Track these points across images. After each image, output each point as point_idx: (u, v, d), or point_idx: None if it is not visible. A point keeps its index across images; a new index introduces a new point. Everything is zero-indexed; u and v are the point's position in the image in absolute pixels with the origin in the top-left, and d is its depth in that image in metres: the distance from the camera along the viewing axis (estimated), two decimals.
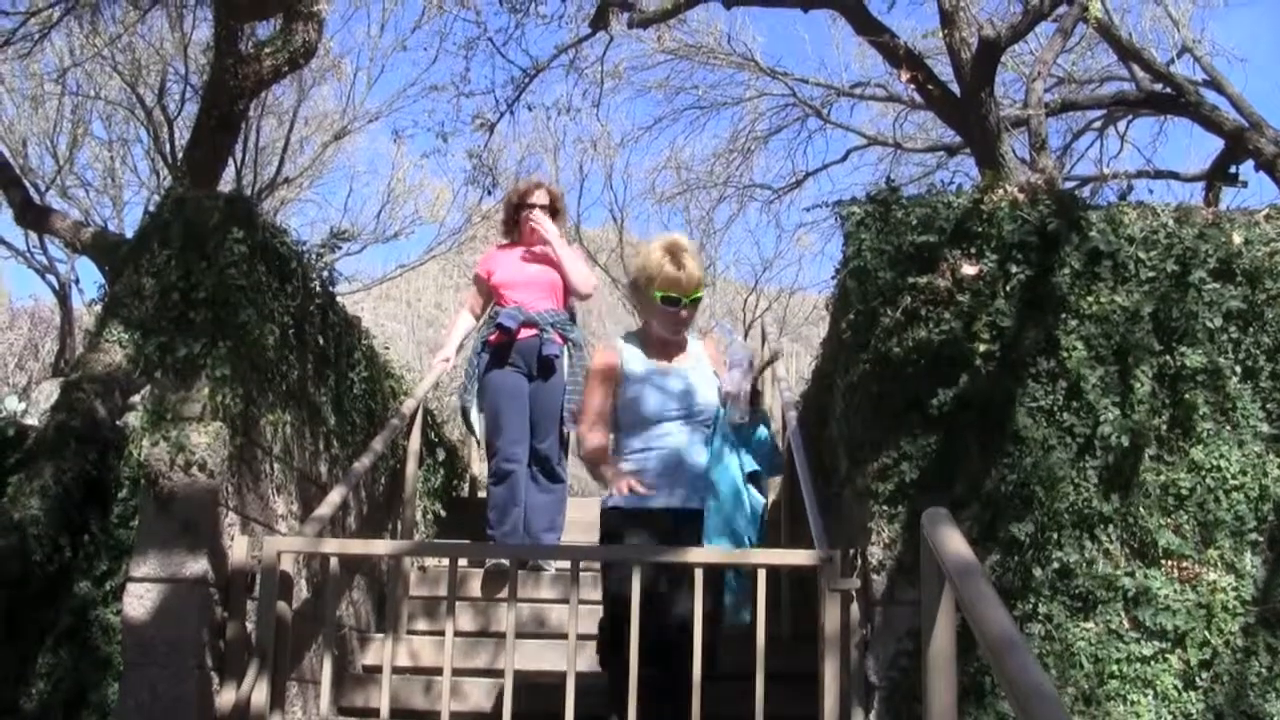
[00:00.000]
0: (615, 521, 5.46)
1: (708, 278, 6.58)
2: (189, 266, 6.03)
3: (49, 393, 10.64)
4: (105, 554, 5.89)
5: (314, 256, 7.09)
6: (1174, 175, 17.61)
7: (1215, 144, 14.27)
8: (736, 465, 5.45)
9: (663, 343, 5.69)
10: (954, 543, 3.49)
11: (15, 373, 23.24)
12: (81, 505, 5.98)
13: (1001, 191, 6.12)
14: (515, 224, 8.48)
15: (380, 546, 6.68)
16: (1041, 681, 2.68)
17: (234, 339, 5.97)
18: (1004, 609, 3.07)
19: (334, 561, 5.79)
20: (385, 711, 5.51)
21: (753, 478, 5.51)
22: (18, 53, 14.22)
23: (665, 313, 5.57)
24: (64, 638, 5.84)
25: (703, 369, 5.71)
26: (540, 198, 8.38)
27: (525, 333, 7.94)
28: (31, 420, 7.49)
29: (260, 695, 5.45)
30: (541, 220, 8.23)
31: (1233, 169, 13.99)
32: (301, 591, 6.34)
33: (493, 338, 7.96)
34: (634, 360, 5.62)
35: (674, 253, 5.49)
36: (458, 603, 7.20)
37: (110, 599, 5.82)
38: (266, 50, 9.29)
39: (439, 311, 43.17)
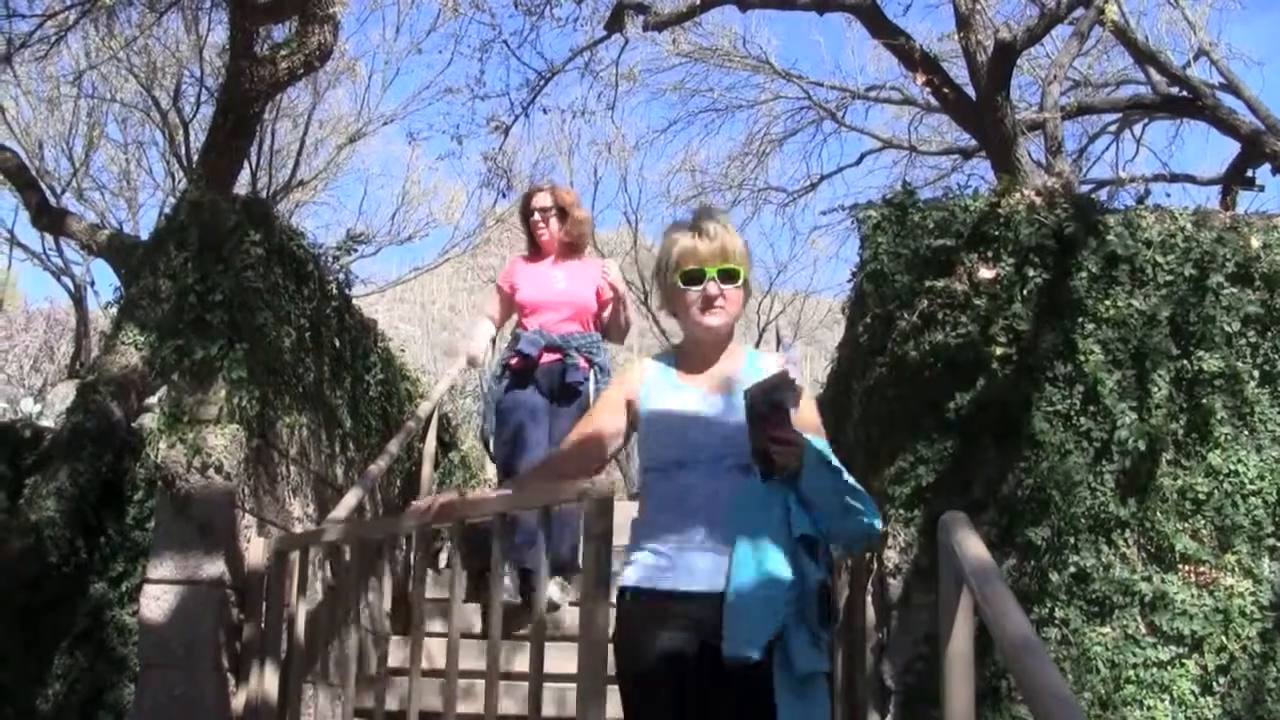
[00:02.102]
0: (632, 621, 3.60)
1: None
2: (206, 269, 6.05)
3: (64, 395, 10.67)
4: (121, 555, 5.92)
5: (330, 259, 7.10)
6: (1190, 179, 17.55)
7: (1231, 147, 14.23)
8: (774, 525, 3.48)
9: (704, 356, 3.84)
10: (972, 546, 3.49)
11: (30, 375, 23.29)
12: (97, 507, 6.00)
13: (1018, 195, 6.11)
14: (531, 235, 7.76)
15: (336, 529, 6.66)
16: (1059, 685, 2.67)
17: (251, 341, 5.99)
18: (1022, 613, 3.06)
19: (313, 552, 5.79)
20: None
21: (808, 546, 3.48)
22: (34, 55, 14.25)
23: (689, 297, 3.76)
24: (80, 639, 5.86)
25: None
26: (542, 200, 7.64)
27: (548, 357, 7.30)
28: (47, 422, 7.52)
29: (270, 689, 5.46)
30: (613, 275, 7.54)
31: (1249, 172, 13.95)
32: (317, 594, 6.35)
33: (514, 362, 7.34)
34: (658, 382, 3.83)
35: (695, 222, 3.83)
36: (472, 605, 7.22)
37: (126, 600, 5.84)
38: (282, 53, 9.29)
39: (453, 314, 43.24)
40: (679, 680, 3.44)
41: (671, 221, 4.33)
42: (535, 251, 7.77)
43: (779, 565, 3.39)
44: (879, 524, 3.57)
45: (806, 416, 3.64)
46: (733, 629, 3.36)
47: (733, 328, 3.86)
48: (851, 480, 3.49)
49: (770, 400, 3.48)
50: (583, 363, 7.30)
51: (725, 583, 3.41)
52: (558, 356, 7.28)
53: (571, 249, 7.65)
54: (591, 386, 7.25)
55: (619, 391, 3.88)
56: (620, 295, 7.54)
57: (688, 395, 3.74)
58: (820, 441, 3.53)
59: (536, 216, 7.62)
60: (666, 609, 3.49)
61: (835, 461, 3.50)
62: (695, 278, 3.73)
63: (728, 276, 3.75)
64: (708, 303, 3.73)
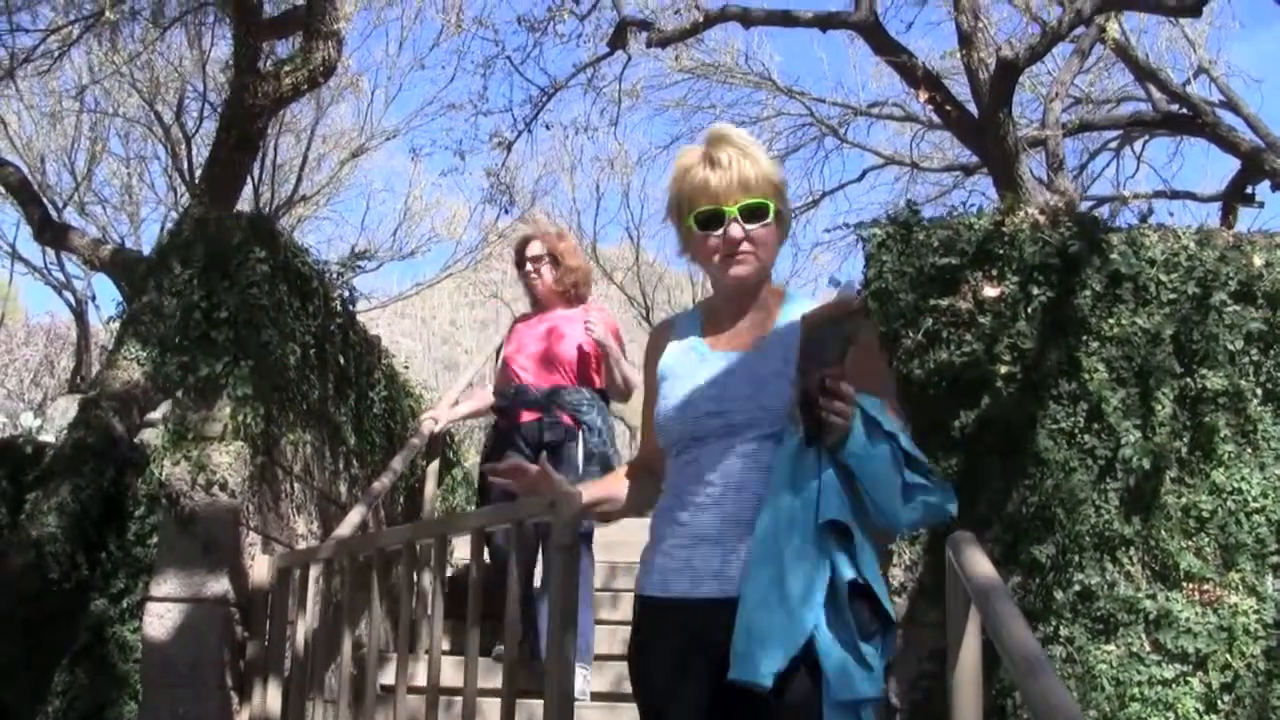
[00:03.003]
0: (639, 635, 3.05)
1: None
2: (211, 286, 6.05)
3: (64, 409, 10.67)
4: (122, 572, 5.91)
5: (335, 275, 7.10)
6: (1191, 195, 17.60)
7: (1231, 164, 14.27)
8: (805, 515, 2.76)
9: (735, 311, 3.09)
10: (979, 565, 3.48)
11: (31, 389, 23.30)
12: (99, 523, 5.99)
13: (1022, 213, 6.12)
14: (528, 287, 7.11)
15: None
16: (1066, 703, 2.66)
17: (256, 358, 5.98)
18: (1029, 630, 3.06)
19: (314, 571, 5.79)
20: None
21: (839, 536, 2.76)
22: (37, 70, 14.31)
23: (708, 245, 3.00)
24: (81, 656, 5.85)
25: (789, 348, 2.93)
26: (534, 249, 6.95)
27: (528, 416, 6.67)
28: (47, 437, 7.52)
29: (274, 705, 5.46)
30: (597, 332, 6.62)
31: (1249, 189, 14.00)
32: (319, 612, 6.34)
33: (498, 424, 6.90)
34: (679, 351, 3.14)
35: (706, 149, 3.02)
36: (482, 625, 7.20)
37: (127, 617, 5.83)
38: (286, 68, 9.32)
39: (454, 329, 43.31)
40: (692, 712, 2.84)
41: (683, 146, 3.68)
42: (534, 305, 7.15)
43: (806, 564, 2.70)
44: (953, 506, 2.88)
45: (866, 365, 2.83)
46: (741, 647, 2.68)
47: (768, 273, 3.10)
48: (911, 446, 2.82)
49: (834, 333, 2.74)
50: (566, 419, 6.53)
51: (737, 588, 2.76)
52: (537, 415, 6.64)
53: (565, 298, 6.96)
54: (579, 448, 6.46)
55: (649, 370, 3.21)
56: (610, 353, 6.69)
57: (712, 363, 3.02)
58: (870, 399, 2.77)
59: (529, 267, 6.97)
60: (671, 620, 2.90)
61: (890, 424, 2.79)
62: (713, 220, 2.97)
63: (752, 214, 2.96)
64: (731, 249, 2.97)
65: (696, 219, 2.99)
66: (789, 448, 2.80)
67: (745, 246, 2.97)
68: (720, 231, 2.96)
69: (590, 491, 3.39)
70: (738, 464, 2.89)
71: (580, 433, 6.52)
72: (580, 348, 6.76)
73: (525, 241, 7.06)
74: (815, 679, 2.67)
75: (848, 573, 2.72)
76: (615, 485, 3.36)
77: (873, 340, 2.94)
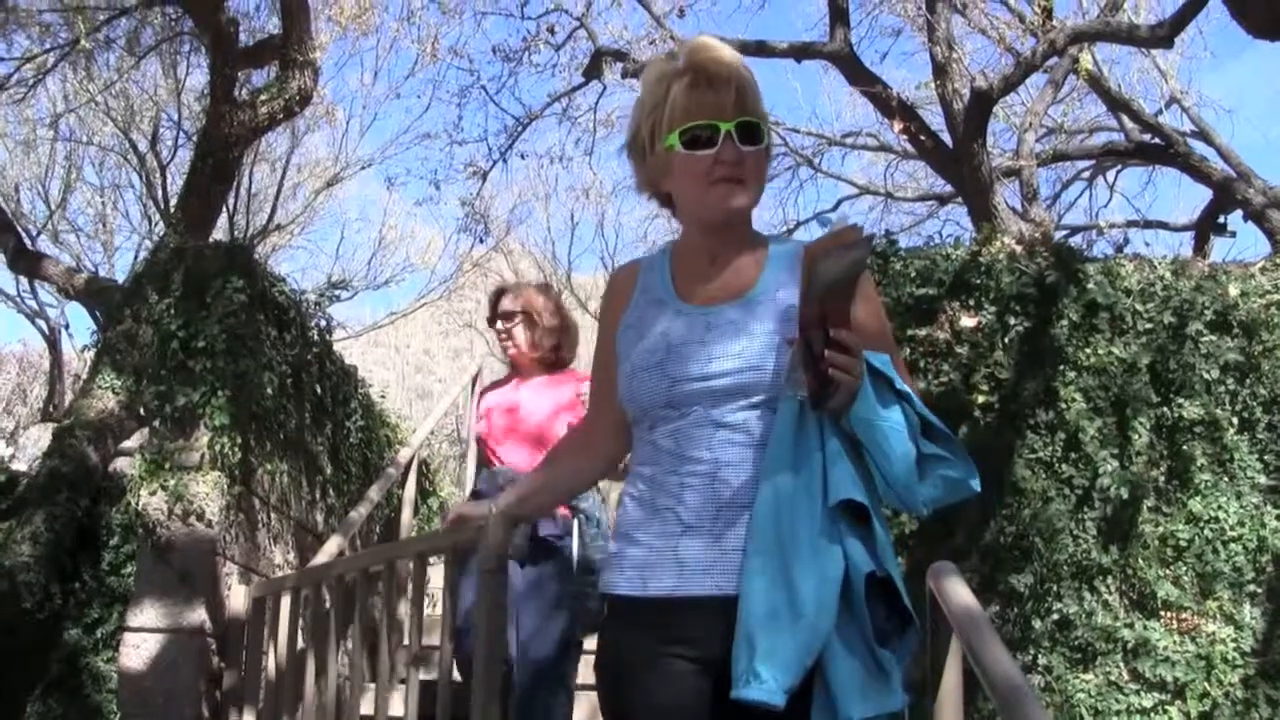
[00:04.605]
0: (612, 645, 2.47)
1: None
2: (189, 315, 6.02)
3: (37, 438, 10.62)
4: (96, 601, 5.88)
5: (312, 305, 7.09)
6: (1163, 225, 17.75)
7: (1203, 194, 14.40)
8: (810, 496, 2.27)
9: (712, 255, 2.51)
10: (961, 595, 3.48)
11: (3, 417, 23.18)
12: (73, 552, 5.96)
13: (999, 244, 6.16)
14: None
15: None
16: None
17: (233, 388, 5.96)
18: (1012, 660, 3.06)
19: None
20: None
21: (854, 518, 2.27)
22: (11, 98, 14.27)
23: (696, 166, 2.42)
24: (54, 686, 5.82)
25: (780, 301, 2.43)
26: (507, 304, 5.55)
27: None
28: (19, 465, 7.49)
29: None
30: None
31: (1221, 219, 14.11)
32: (298, 642, 6.30)
33: None
34: (645, 303, 2.56)
35: (692, 61, 2.44)
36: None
37: (101, 647, 5.80)
38: (262, 98, 9.33)
39: (427, 358, 43.15)
40: None
41: (654, 58, 2.95)
42: (511, 370, 5.75)
43: (817, 555, 2.22)
44: (975, 481, 2.38)
45: (864, 319, 2.39)
46: (745, 659, 2.19)
47: (751, 212, 2.53)
48: (927, 412, 2.35)
49: (843, 267, 2.22)
50: (561, 510, 5.11)
51: (735, 584, 2.26)
52: None
53: (544, 364, 5.61)
54: (573, 542, 5.14)
55: (606, 322, 2.64)
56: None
57: (690, 318, 2.47)
58: (878, 356, 2.35)
59: (500, 325, 5.58)
60: (651, 622, 2.36)
61: (901, 383, 2.36)
62: (703, 138, 2.40)
63: (748, 135, 2.42)
64: (726, 172, 2.40)
65: (682, 135, 2.41)
66: (787, 415, 2.30)
67: (740, 170, 2.41)
68: (712, 151, 2.39)
69: (523, 504, 2.95)
70: (726, 436, 2.36)
71: (576, 523, 5.20)
72: (562, 423, 5.38)
73: (498, 294, 5.72)
74: (826, 694, 2.21)
75: (865, 564, 2.22)
76: (548, 477, 2.88)
77: (870, 284, 2.49)
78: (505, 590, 3.61)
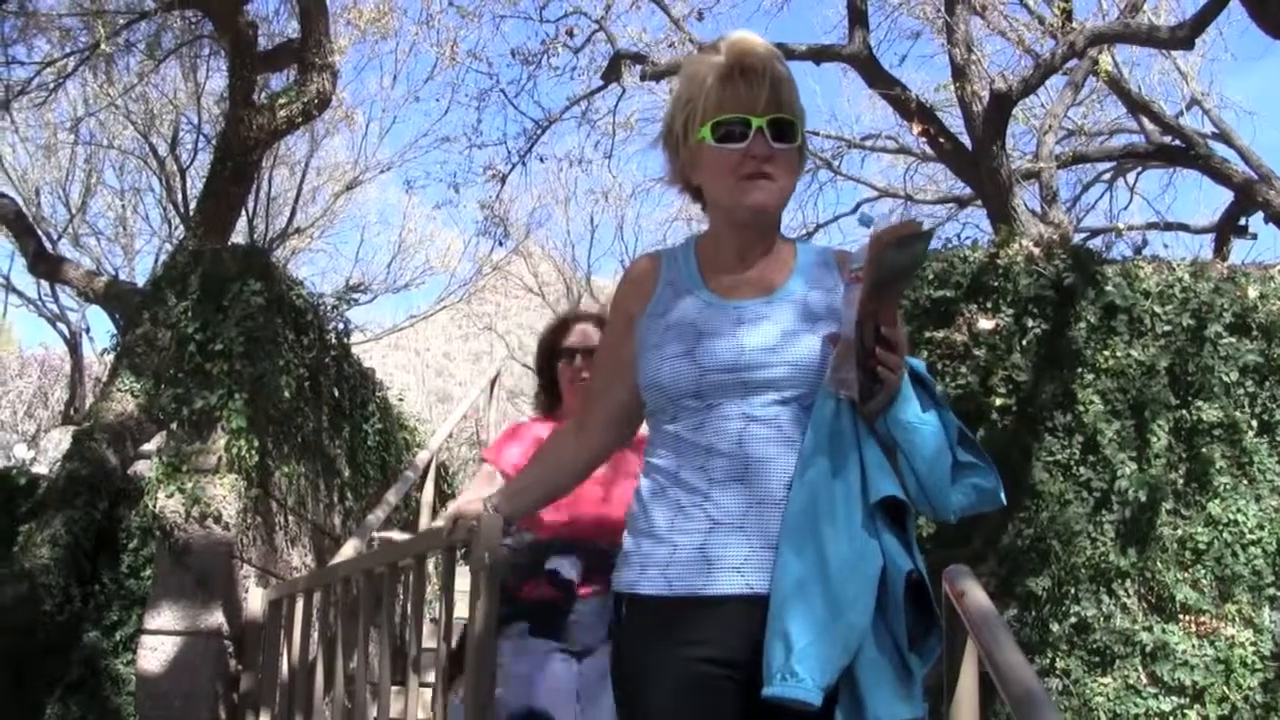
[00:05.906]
0: (631, 648, 2.38)
1: None
2: (206, 318, 6.04)
3: (58, 440, 10.65)
4: (115, 604, 5.90)
5: (330, 308, 7.10)
6: (1184, 227, 17.64)
7: (1224, 196, 14.31)
8: (848, 494, 2.24)
9: (739, 253, 2.47)
10: (977, 599, 3.47)
11: (24, 420, 23.26)
12: (92, 555, 5.98)
13: (1017, 246, 6.14)
14: (554, 384, 4.23)
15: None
16: None
17: (251, 391, 5.97)
18: (1028, 665, 3.05)
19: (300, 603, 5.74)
20: None
21: (894, 517, 2.26)
22: (32, 102, 14.30)
23: (724, 161, 2.40)
24: (73, 688, 5.83)
25: (810, 301, 2.44)
26: (588, 336, 4.13)
27: (588, 586, 3.78)
28: (40, 468, 7.52)
29: None
30: None
31: (1242, 221, 14.03)
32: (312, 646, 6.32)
33: (534, 593, 3.80)
34: (671, 284, 2.51)
35: (731, 57, 2.42)
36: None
37: (120, 649, 5.81)
38: (281, 101, 9.34)
39: (447, 361, 43.25)
40: None
41: (692, 52, 2.76)
42: (552, 408, 4.28)
43: (856, 552, 2.19)
44: (1002, 492, 2.34)
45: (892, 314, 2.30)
46: (780, 654, 2.14)
47: (781, 211, 2.51)
48: (958, 422, 2.34)
49: (908, 261, 2.22)
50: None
51: (766, 581, 2.22)
52: (603, 585, 3.31)
53: None
54: None
55: (622, 311, 2.57)
56: None
57: (721, 311, 2.41)
58: (917, 361, 2.36)
59: (578, 361, 4.12)
60: (676, 623, 2.28)
61: (938, 390, 2.36)
62: (734, 131, 2.38)
63: (781, 132, 2.40)
64: (755, 168, 2.38)
65: (714, 129, 2.38)
66: (825, 413, 2.27)
67: (770, 167, 2.38)
68: (741, 146, 2.37)
69: (511, 499, 2.89)
70: (758, 431, 2.30)
71: None
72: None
73: (569, 324, 4.30)
74: (854, 698, 2.17)
75: (905, 563, 2.19)
76: (536, 473, 2.81)
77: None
78: (498, 594, 3.51)
